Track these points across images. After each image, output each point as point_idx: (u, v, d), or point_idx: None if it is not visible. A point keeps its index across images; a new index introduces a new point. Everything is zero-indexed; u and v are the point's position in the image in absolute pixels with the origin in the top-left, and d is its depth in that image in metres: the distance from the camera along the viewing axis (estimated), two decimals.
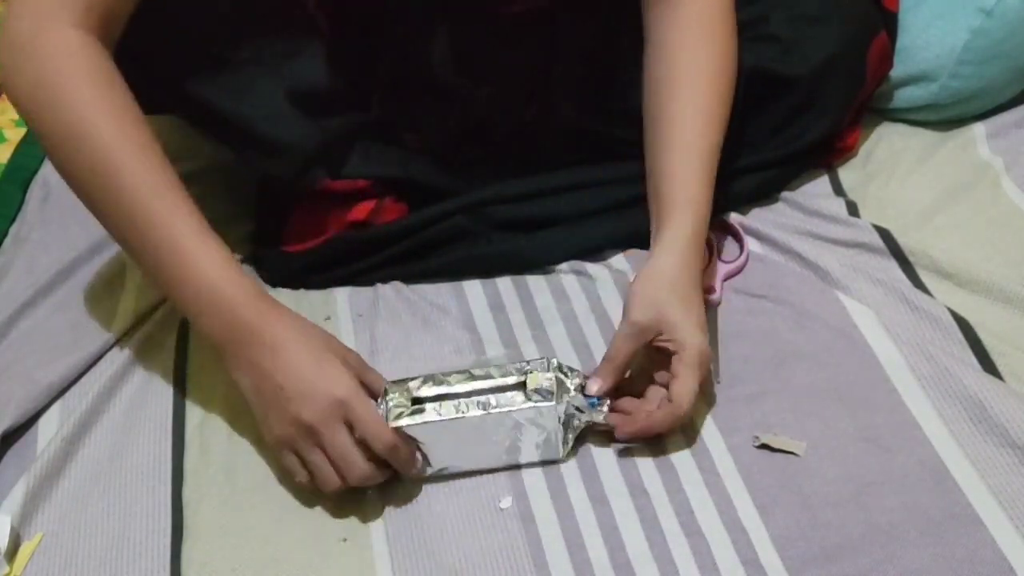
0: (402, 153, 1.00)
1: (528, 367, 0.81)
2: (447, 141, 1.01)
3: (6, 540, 0.76)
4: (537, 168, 1.02)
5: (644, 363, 0.83)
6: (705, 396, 0.84)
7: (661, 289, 0.81)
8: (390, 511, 0.79)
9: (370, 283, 0.98)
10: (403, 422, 0.78)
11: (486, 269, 0.98)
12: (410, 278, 0.98)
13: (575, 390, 0.81)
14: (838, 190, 1.05)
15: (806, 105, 1.02)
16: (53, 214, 1.09)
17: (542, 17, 0.97)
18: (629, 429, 0.80)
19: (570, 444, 0.81)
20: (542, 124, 1.01)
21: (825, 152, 1.07)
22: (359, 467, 0.75)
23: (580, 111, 1.00)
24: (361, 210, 0.97)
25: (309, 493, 0.79)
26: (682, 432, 0.82)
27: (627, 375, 0.83)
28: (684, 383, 0.78)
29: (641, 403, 0.82)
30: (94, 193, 0.78)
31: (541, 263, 0.99)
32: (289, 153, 0.93)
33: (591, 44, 1.00)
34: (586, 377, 0.82)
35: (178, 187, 0.77)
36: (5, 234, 1.08)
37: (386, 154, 0.98)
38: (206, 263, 0.76)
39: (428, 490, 0.80)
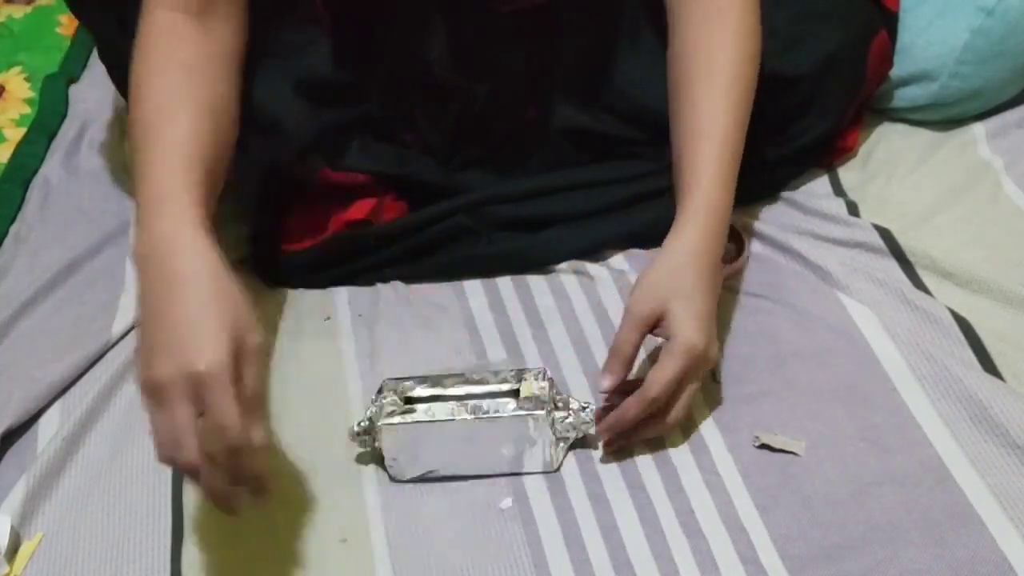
0: (401, 151, 1.00)
1: (523, 375, 0.81)
2: (446, 140, 1.01)
3: (6, 540, 0.76)
4: (537, 169, 1.01)
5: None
6: (704, 398, 0.84)
7: (663, 278, 0.80)
8: (390, 511, 0.79)
9: (370, 283, 0.98)
10: (394, 420, 0.78)
11: (486, 269, 0.98)
12: (410, 278, 0.98)
13: (566, 407, 0.80)
14: (838, 190, 1.05)
15: (806, 105, 1.02)
16: (53, 214, 1.09)
17: (539, 15, 0.97)
18: (602, 426, 0.79)
19: (562, 455, 0.80)
20: (542, 125, 1.01)
21: (825, 152, 1.07)
22: (189, 452, 0.65)
23: (580, 111, 1.00)
24: (361, 208, 0.97)
25: (304, 495, 0.80)
26: (682, 432, 0.82)
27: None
28: (660, 369, 0.76)
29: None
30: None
31: (542, 263, 0.98)
32: (290, 136, 0.93)
33: (590, 43, 1.00)
34: (578, 401, 0.81)
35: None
36: (5, 234, 1.08)
37: (385, 151, 0.98)
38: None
39: (428, 490, 0.80)
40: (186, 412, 0.65)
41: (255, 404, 0.67)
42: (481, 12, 0.95)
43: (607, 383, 0.79)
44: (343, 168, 0.96)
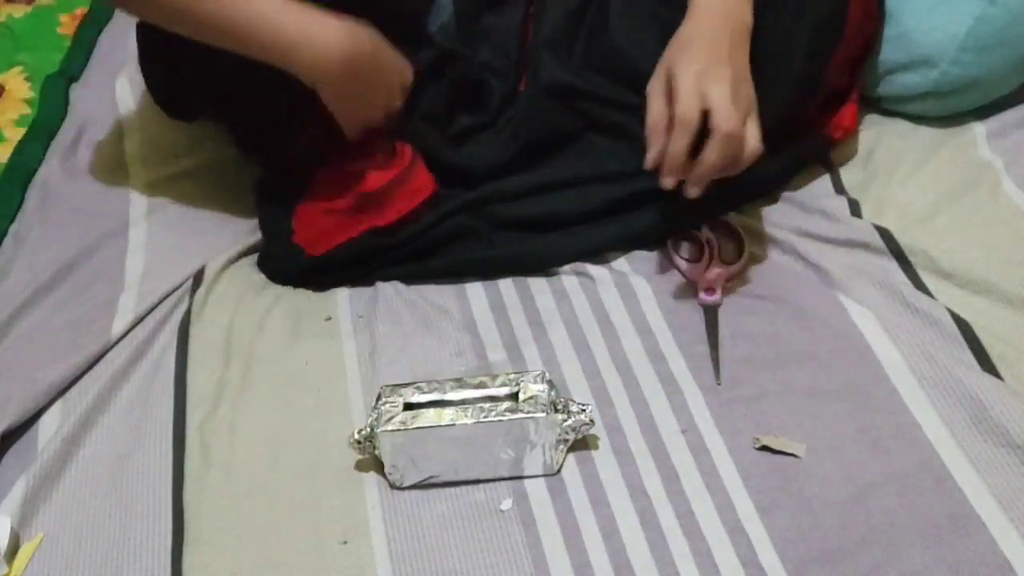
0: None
1: (522, 377, 0.81)
2: (442, 108, 1.01)
3: (6, 540, 0.76)
4: (528, 137, 1.00)
5: None
6: (704, 400, 0.84)
7: (673, 51, 0.87)
8: (390, 513, 0.79)
9: (370, 283, 0.98)
10: (393, 426, 0.78)
11: (488, 271, 0.98)
12: (411, 279, 0.98)
13: (566, 409, 0.80)
14: (839, 190, 1.05)
15: (784, 48, 0.95)
16: (52, 213, 1.09)
17: None
18: (664, 167, 0.86)
19: (562, 457, 0.81)
20: (530, 89, 1.01)
21: (824, 144, 1.06)
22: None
23: (564, 69, 0.99)
24: (377, 178, 0.96)
25: (305, 496, 0.80)
26: (682, 434, 0.82)
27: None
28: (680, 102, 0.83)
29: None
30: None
31: (543, 266, 0.98)
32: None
33: (579, 3, 1.00)
34: (577, 403, 0.81)
35: None
36: (5, 233, 1.08)
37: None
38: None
39: (428, 492, 0.80)
40: None
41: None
42: None
43: (649, 161, 0.87)
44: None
